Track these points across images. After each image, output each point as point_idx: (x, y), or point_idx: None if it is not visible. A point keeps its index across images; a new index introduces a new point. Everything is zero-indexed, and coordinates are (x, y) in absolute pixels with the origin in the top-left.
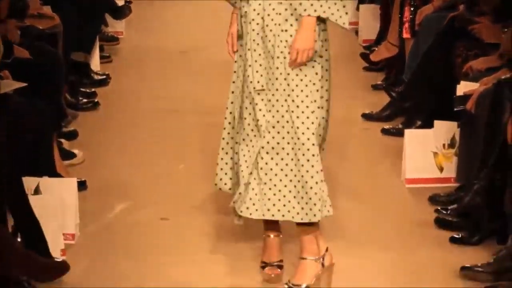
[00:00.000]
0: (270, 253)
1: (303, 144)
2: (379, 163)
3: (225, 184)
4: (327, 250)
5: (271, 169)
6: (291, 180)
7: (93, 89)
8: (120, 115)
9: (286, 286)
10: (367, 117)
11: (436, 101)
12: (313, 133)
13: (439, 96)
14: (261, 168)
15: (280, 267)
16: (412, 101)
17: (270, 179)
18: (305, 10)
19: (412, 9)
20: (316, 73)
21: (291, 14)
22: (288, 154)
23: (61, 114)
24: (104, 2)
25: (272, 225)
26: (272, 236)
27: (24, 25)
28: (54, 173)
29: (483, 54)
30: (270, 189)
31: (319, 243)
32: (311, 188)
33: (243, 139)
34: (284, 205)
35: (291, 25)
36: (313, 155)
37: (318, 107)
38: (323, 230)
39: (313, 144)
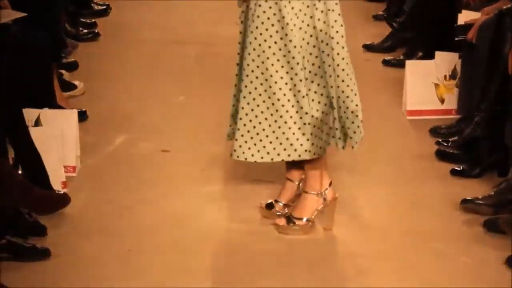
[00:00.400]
0: (284, 194)
1: None
2: (380, 94)
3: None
4: (330, 184)
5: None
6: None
7: (93, 20)
8: (121, 46)
9: (286, 219)
10: (368, 48)
11: (437, 32)
12: None
13: (441, 26)
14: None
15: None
16: (414, 32)
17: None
18: None
19: None
20: None
21: None
22: None
23: (61, 44)
24: None
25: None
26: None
27: None
28: (54, 105)
29: None
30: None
31: (322, 179)
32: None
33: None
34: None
35: None
36: None
37: None
38: None
39: None
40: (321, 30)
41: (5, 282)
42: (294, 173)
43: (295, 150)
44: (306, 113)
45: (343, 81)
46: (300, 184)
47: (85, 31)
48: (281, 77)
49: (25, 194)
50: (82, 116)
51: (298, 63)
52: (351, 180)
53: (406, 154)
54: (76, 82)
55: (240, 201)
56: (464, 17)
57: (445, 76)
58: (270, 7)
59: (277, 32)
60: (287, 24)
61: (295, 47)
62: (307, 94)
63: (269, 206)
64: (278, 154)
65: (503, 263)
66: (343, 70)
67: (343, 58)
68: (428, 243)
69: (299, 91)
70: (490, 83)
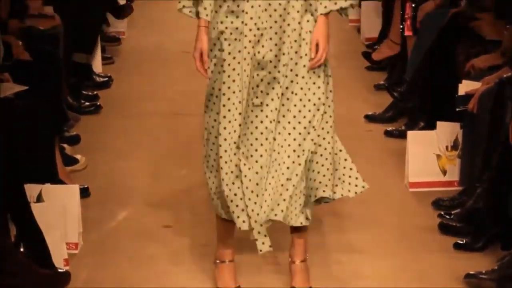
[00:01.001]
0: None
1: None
2: (382, 166)
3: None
4: None
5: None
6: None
7: (95, 92)
8: (123, 118)
9: None
10: (370, 118)
11: (438, 102)
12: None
13: (442, 96)
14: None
15: None
16: (415, 101)
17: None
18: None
19: (413, 5)
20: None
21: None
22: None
23: (63, 117)
24: (106, 1)
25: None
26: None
27: (24, 25)
28: (56, 180)
29: (485, 52)
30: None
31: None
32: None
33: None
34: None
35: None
36: None
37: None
38: (325, 232)
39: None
40: None
41: None
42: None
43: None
44: None
45: None
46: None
47: (87, 103)
48: None
49: (27, 273)
50: (85, 193)
51: None
52: (352, 252)
53: (409, 227)
54: (78, 156)
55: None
56: (465, 87)
57: (446, 147)
58: None
59: None
60: None
61: None
62: None
63: None
64: None
65: None
66: None
67: None
68: None
69: None
70: (491, 153)
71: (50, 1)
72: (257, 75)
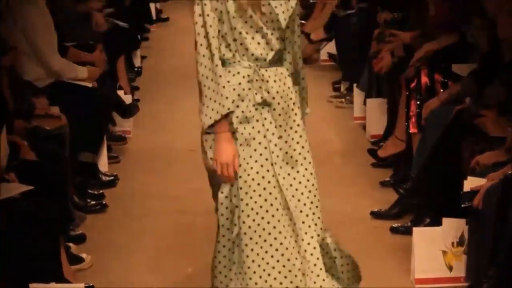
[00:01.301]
0: None
1: None
2: (388, 262)
3: None
4: None
5: None
6: None
7: (101, 191)
8: (129, 217)
9: None
10: (375, 215)
11: (444, 198)
12: None
13: (448, 192)
14: None
15: None
16: (420, 198)
17: None
18: None
19: (418, 103)
20: None
21: None
22: None
23: (69, 217)
24: (111, 101)
25: None
26: None
27: (31, 126)
28: (62, 278)
29: (490, 149)
30: None
31: None
32: None
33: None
34: None
35: None
36: None
37: None
38: None
39: None
40: None
41: None
42: None
43: None
44: None
45: None
46: None
47: (93, 202)
48: None
49: None
50: None
51: None
52: None
53: None
54: (84, 255)
55: None
56: (470, 183)
57: (452, 243)
58: None
59: None
60: None
61: None
62: None
63: None
64: None
65: None
66: None
67: None
68: None
69: None
70: (497, 249)
71: (56, 102)
72: None
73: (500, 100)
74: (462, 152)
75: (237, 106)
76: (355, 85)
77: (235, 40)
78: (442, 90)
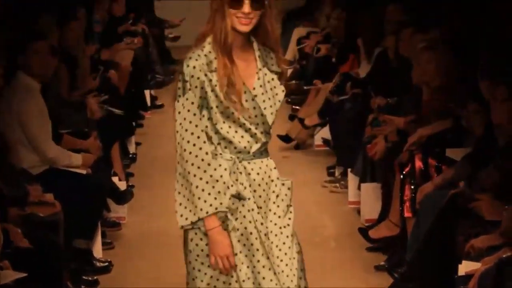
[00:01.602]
0: None
1: None
2: None
3: None
4: None
5: None
6: None
7: (95, 277)
8: None
9: None
10: None
11: (439, 282)
12: None
13: (442, 276)
14: None
15: None
16: (415, 283)
17: None
18: None
19: (412, 187)
20: None
21: None
22: None
23: None
24: (105, 188)
25: None
26: None
27: (25, 213)
28: None
29: (484, 232)
30: None
31: None
32: None
33: None
34: None
35: None
36: None
37: None
38: None
39: None
40: None
41: None
42: None
43: None
44: None
45: None
46: None
47: None
48: None
49: None
50: None
51: None
52: None
53: None
54: None
55: None
56: (465, 267)
57: None
58: None
59: None
60: None
61: None
62: None
63: None
64: None
65: None
66: None
67: None
68: None
69: None
70: None
71: (50, 188)
72: None
73: (495, 184)
74: (456, 236)
75: (221, 203)
76: (349, 170)
77: (217, 133)
78: (436, 175)
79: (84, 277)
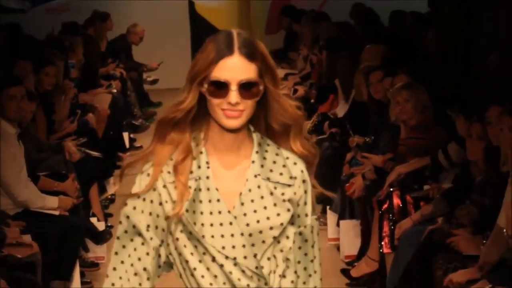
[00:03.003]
0: None
1: None
2: None
3: None
4: None
5: None
6: None
7: None
8: None
9: None
10: None
11: None
12: None
13: None
14: None
15: None
16: None
17: None
18: None
19: (391, 223)
20: None
21: None
22: None
23: None
24: (83, 228)
25: None
26: None
27: (2, 255)
28: None
29: (462, 267)
30: None
31: None
32: None
33: None
34: None
35: None
36: None
37: None
38: None
39: None
40: None
41: None
42: None
43: None
44: None
45: None
46: None
47: None
48: None
49: None
50: None
51: None
52: None
53: None
54: None
55: None
56: None
57: None
58: None
59: None
60: None
61: None
62: None
63: None
64: None
65: None
66: None
67: None
68: None
69: None
70: None
71: (27, 230)
72: None
73: (472, 220)
74: (435, 270)
75: None
76: (328, 207)
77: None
78: (414, 211)
79: None
